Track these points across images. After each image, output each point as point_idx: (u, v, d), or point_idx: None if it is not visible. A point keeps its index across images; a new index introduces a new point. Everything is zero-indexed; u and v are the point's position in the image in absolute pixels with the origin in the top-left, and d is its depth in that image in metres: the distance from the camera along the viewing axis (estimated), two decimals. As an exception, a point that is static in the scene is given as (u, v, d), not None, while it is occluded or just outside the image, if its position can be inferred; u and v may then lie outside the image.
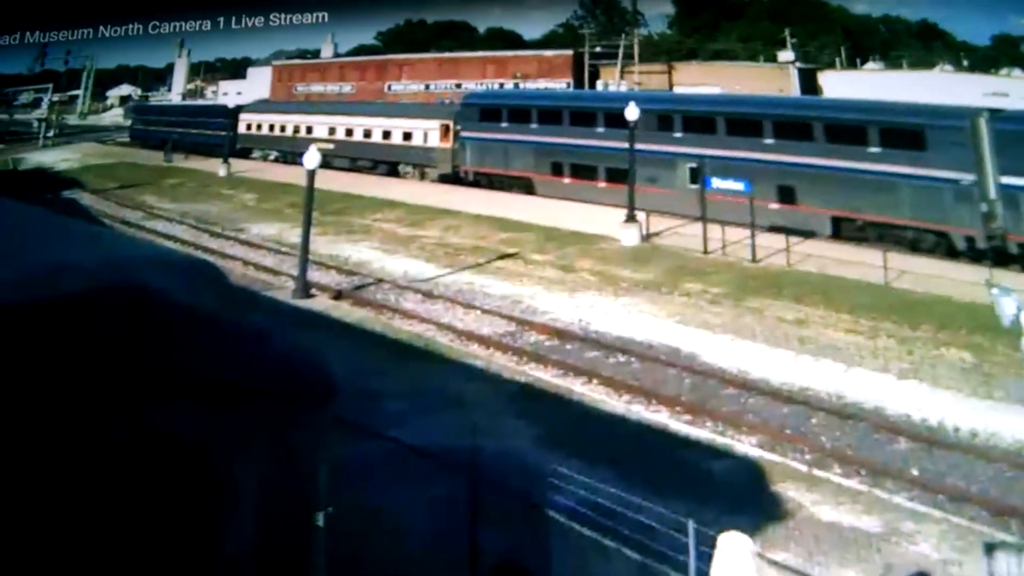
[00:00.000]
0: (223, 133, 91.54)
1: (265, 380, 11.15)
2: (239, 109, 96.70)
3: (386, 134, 75.25)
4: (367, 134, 77.61)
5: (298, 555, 11.77)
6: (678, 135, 52.95)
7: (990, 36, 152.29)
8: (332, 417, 12.93)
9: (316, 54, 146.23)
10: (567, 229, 47.59)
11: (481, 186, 63.36)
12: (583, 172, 57.37)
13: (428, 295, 37.20)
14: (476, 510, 14.73)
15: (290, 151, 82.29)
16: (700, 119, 52.89)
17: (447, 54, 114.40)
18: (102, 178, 75.28)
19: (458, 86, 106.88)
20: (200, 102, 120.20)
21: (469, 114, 67.06)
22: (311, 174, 36.49)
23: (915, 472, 21.80)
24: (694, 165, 50.57)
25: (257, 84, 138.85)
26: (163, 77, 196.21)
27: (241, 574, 10.64)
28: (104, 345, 9.90)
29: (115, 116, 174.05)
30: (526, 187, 60.73)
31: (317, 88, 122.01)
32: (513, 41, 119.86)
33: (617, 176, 51.73)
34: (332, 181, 62.05)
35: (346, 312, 34.33)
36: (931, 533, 18.34)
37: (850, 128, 46.40)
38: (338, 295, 37.12)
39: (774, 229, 43.60)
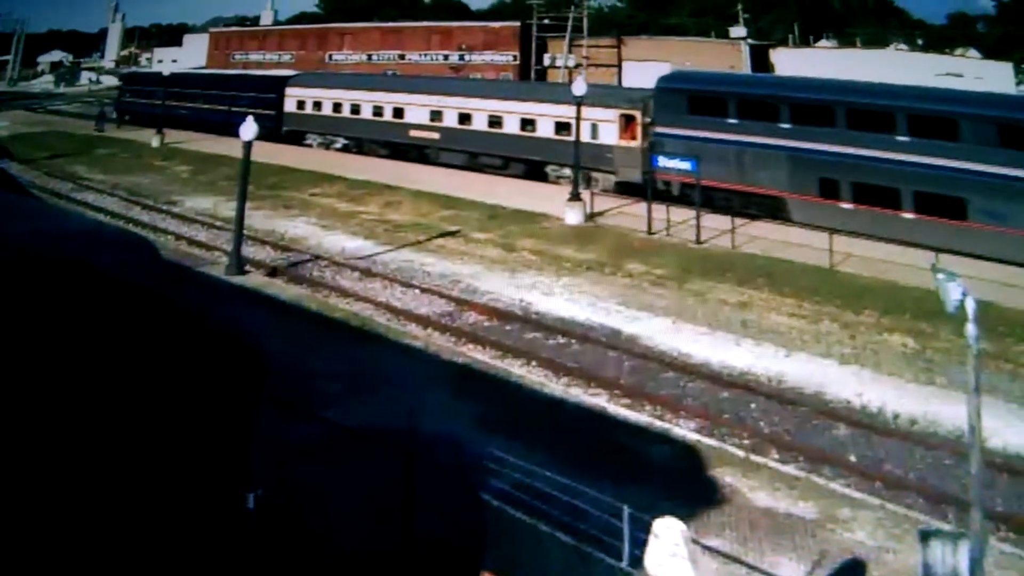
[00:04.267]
0: (266, 112, 74.81)
1: (195, 359, 10.78)
2: (284, 81, 79.52)
3: (526, 124, 57.72)
4: (495, 122, 59.65)
5: (229, 536, 11.43)
6: None
7: (946, 15, 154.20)
8: (265, 397, 12.57)
9: (255, 21, 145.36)
10: (510, 207, 47.33)
11: (691, 203, 43.88)
12: (875, 196, 41.38)
13: (366, 273, 36.78)
14: (411, 492, 14.39)
15: (368, 139, 69.89)
16: None
17: (390, 23, 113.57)
18: (31, 147, 73.72)
19: (401, 56, 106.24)
20: (232, 71, 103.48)
21: (670, 102, 49.81)
22: (247, 146, 35.65)
23: (853, 458, 21.72)
24: None
25: (194, 51, 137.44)
26: (97, 43, 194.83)
27: (171, 555, 10.31)
28: (30, 318, 9.52)
29: (46, 83, 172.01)
30: (772, 209, 44.95)
31: (255, 57, 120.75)
32: (459, 11, 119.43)
33: (933, 205, 39.53)
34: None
35: (281, 289, 33.79)
36: (867, 520, 18.26)
37: None
38: (273, 272, 36.61)
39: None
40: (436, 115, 63.85)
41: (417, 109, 65.32)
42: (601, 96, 54.04)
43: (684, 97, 49.33)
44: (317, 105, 74.19)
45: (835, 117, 43.23)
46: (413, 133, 65.51)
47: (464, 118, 61.95)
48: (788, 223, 42.44)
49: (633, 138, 51.98)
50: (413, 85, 71.34)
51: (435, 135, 63.79)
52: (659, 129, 49.90)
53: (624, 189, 51.07)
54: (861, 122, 42.55)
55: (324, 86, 76.18)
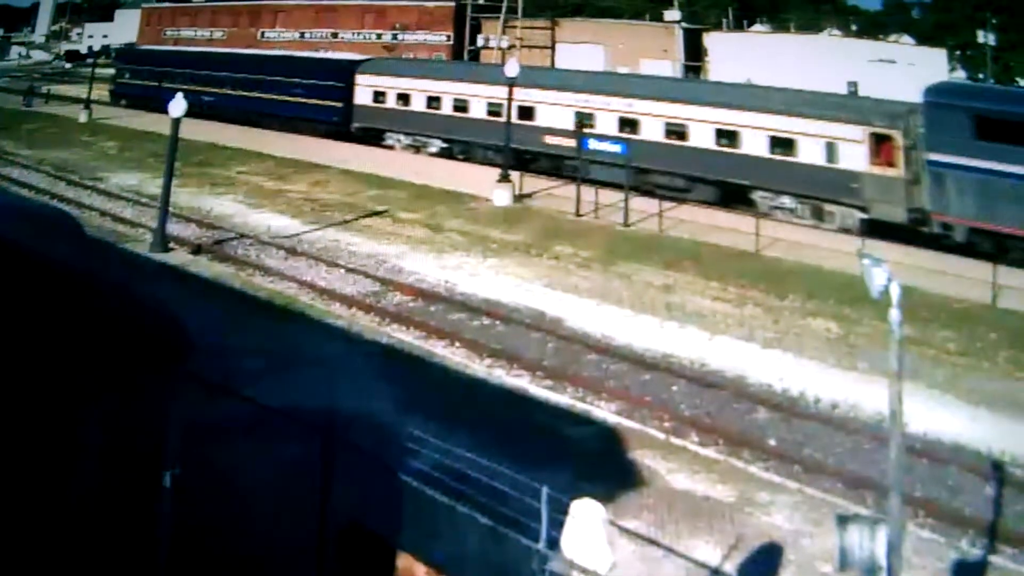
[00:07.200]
0: (329, 104, 66.11)
1: (115, 335, 10.59)
2: (354, 66, 67.25)
3: (724, 136, 46.07)
4: (675, 132, 47.75)
5: (144, 515, 11.24)
6: None
7: (881, 1, 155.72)
8: (185, 375, 12.36)
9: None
10: (438, 187, 47.19)
11: (982, 255, 35.72)
12: None
13: (291, 252, 36.43)
14: (329, 472, 14.22)
15: (479, 144, 55.48)
16: None
17: (324, 1, 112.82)
18: (-45, 123, 72.24)
19: (335, 35, 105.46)
20: (283, 52, 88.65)
21: (947, 121, 38.80)
22: (175, 123, 35.15)
23: (772, 442, 21.70)
24: None
25: (125, 27, 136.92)
26: (28, 17, 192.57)
27: (85, 533, 10.12)
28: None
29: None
30: None
31: (187, 33, 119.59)
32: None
33: None
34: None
35: (204, 267, 33.41)
36: (785, 504, 18.28)
37: None
38: (197, 249, 36.01)
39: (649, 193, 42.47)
40: (585, 118, 51.02)
41: (556, 109, 52.71)
42: (838, 106, 44.90)
43: (969, 116, 38.37)
44: (403, 98, 61.98)
45: None
46: (549, 140, 52.49)
47: (627, 124, 49.41)
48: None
49: (890, 165, 40.91)
50: (550, 79, 57.86)
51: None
52: (933, 156, 39.14)
53: (876, 230, 39.32)
54: None
55: (414, 75, 63.88)
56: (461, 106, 57.69)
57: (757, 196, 44.43)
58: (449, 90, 58.74)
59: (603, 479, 18.30)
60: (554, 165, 51.63)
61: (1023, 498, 19.59)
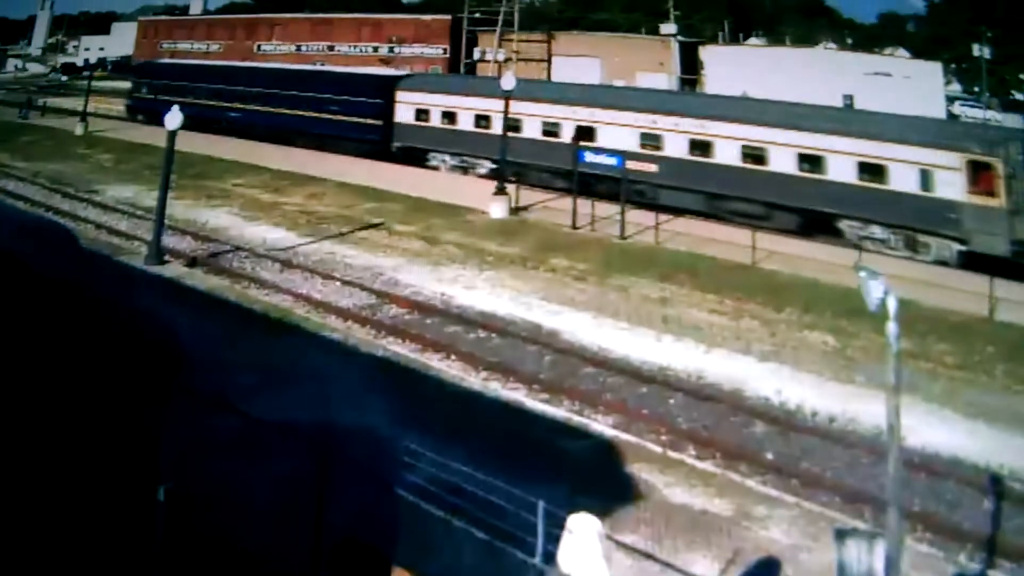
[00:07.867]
0: (368, 122, 63.07)
1: (109, 348, 10.55)
2: (393, 83, 64.14)
3: (807, 161, 43.44)
4: (752, 156, 45.20)
5: (138, 529, 11.17)
6: None
7: (876, 14, 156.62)
8: (179, 388, 12.31)
9: (184, 10, 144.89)
10: (435, 200, 47.18)
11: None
12: None
13: (287, 264, 36.26)
14: (324, 487, 14.15)
15: (535, 166, 51.18)
16: None
17: (320, 14, 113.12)
18: (-50, 136, 72.14)
19: (331, 48, 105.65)
20: (315, 68, 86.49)
21: None
22: (171, 135, 35.08)
23: (770, 456, 21.57)
24: None
25: (122, 40, 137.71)
26: (25, 30, 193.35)
27: (79, 548, 10.06)
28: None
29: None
30: None
31: (184, 46, 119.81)
32: (390, 3, 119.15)
33: None
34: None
35: (200, 280, 33.25)
36: (782, 518, 18.21)
37: None
38: (192, 262, 35.79)
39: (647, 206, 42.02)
40: (651, 139, 48.60)
41: (620, 130, 49.58)
42: (933, 132, 42.54)
43: None
44: (449, 116, 59.06)
45: None
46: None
47: (699, 146, 47.07)
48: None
49: (990, 194, 38.38)
50: (611, 98, 54.39)
51: (651, 167, 47.64)
52: None
53: (974, 263, 37.91)
54: None
55: (460, 91, 60.77)
56: (513, 125, 50.87)
57: (844, 225, 42.29)
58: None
59: (600, 493, 18.22)
60: (617, 190, 44.13)
61: (1022, 512, 19.49)
